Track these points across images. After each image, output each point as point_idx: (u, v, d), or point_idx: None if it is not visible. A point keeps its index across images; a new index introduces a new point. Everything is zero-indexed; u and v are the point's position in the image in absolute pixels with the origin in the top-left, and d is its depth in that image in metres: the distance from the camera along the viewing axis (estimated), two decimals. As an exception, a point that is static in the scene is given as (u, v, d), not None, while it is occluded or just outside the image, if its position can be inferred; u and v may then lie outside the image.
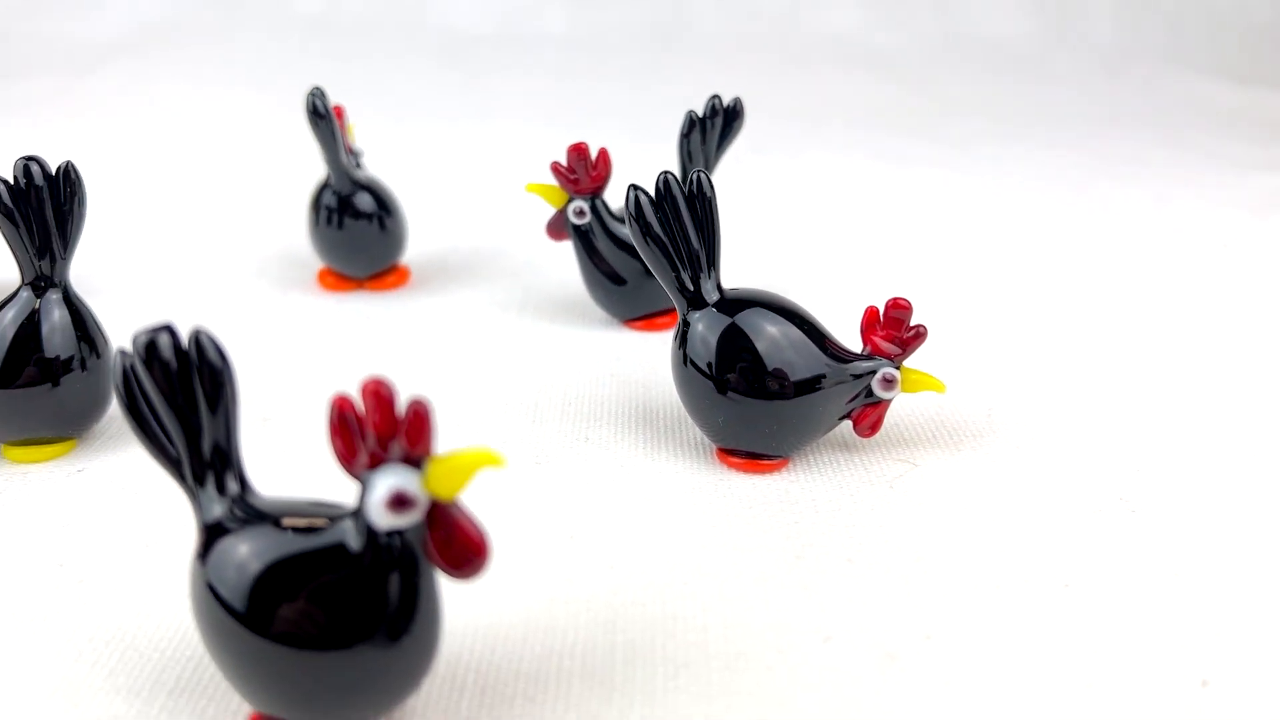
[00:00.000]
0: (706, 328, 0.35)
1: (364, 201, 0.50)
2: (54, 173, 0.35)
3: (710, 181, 0.35)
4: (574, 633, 0.27)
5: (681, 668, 0.26)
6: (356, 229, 0.50)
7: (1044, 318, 0.49)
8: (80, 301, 0.36)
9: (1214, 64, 1.12)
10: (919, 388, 0.35)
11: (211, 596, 0.22)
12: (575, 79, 1.05)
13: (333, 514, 0.23)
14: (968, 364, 0.43)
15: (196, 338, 0.22)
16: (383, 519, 0.21)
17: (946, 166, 0.79)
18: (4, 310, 0.35)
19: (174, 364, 0.22)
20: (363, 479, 0.22)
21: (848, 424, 0.36)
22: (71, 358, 0.36)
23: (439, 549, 0.22)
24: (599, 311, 0.49)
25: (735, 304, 0.35)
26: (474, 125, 0.88)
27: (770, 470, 0.36)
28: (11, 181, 0.34)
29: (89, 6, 1.16)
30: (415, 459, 0.21)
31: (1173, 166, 0.79)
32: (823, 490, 0.35)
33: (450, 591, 0.27)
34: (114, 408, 0.38)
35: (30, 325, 0.35)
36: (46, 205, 0.35)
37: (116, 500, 0.34)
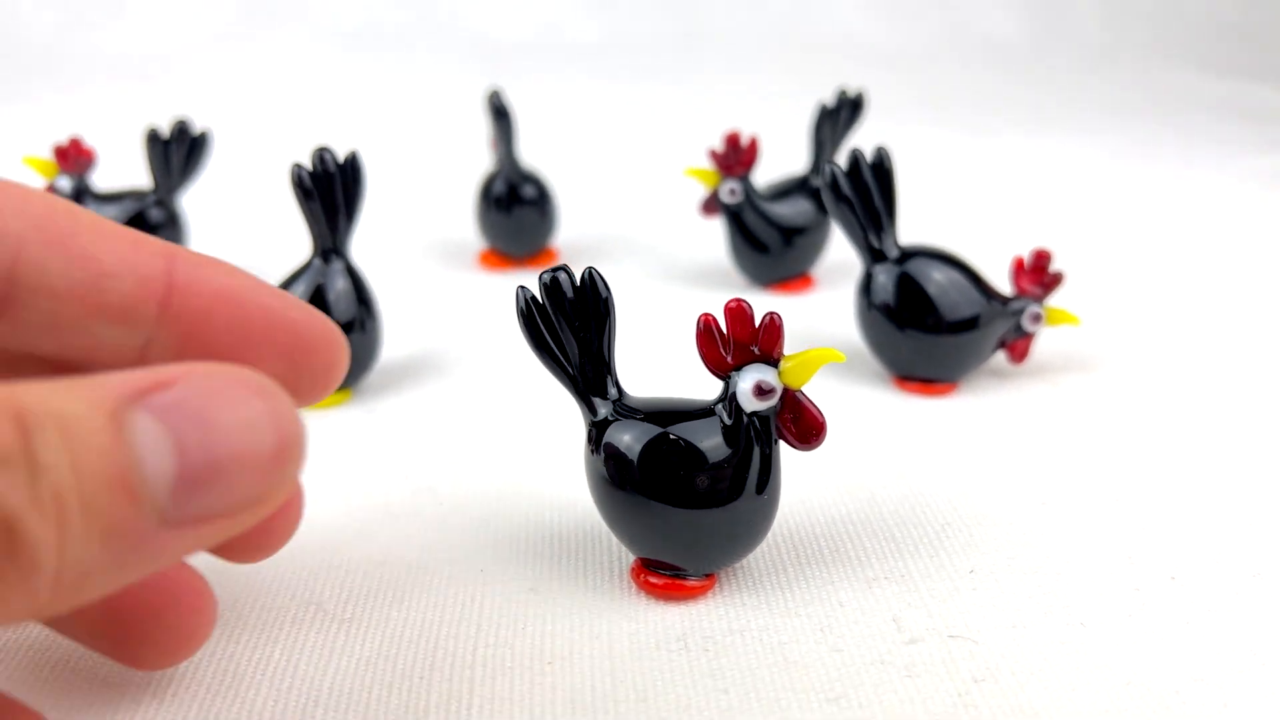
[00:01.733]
0: (888, 277, 0.43)
1: (529, 190, 0.57)
2: (342, 161, 0.42)
3: (890, 156, 0.43)
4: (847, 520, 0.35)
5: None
6: (522, 214, 0.57)
7: (1136, 276, 0.58)
8: (359, 271, 0.43)
9: (1196, 59, 1.22)
10: (1059, 321, 0.43)
11: (606, 473, 0.29)
12: (606, 80, 1.13)
13: (696, 406, 0.29)
14: (1095, 305, 0.51)
15: (589, 273, 0.29)
16: (750, 403, 0.28)
17: (970, 150, 0.88)
18: (299, 278, 0.42)
19: (571, 294, 0.29)
20: (730, 375, 0.28)
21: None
22: (354, 320, 0.42)
23: (790, 426, 0.28)
24: (737, 278, 0.56)
25: (910, 256, 0.43)
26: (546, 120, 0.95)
27: (941, 392, 0.43)
28: (311, 167, 0.41)
29: (142, 18, 1.21)
30: (771, 358, 0.28)
31: (1185, 149, 0.89)
32: (990, 410, 0.42)
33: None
34: (382, 361, 0.45)
35: (319, 291, 0.42)
36: (337, 187, 0.42)
37: (410, 432, 0.41)
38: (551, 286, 0.29)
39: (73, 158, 0.55)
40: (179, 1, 1.25)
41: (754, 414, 0.28)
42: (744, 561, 0.31)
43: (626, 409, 0.29)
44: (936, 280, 0.42)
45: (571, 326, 0.29)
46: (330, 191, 0.41)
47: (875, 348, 0.44)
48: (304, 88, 1.09)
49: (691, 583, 0.29)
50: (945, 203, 0.72)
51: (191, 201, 0.60)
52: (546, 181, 0.58)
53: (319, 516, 0.33)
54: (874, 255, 0.43)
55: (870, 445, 0.39)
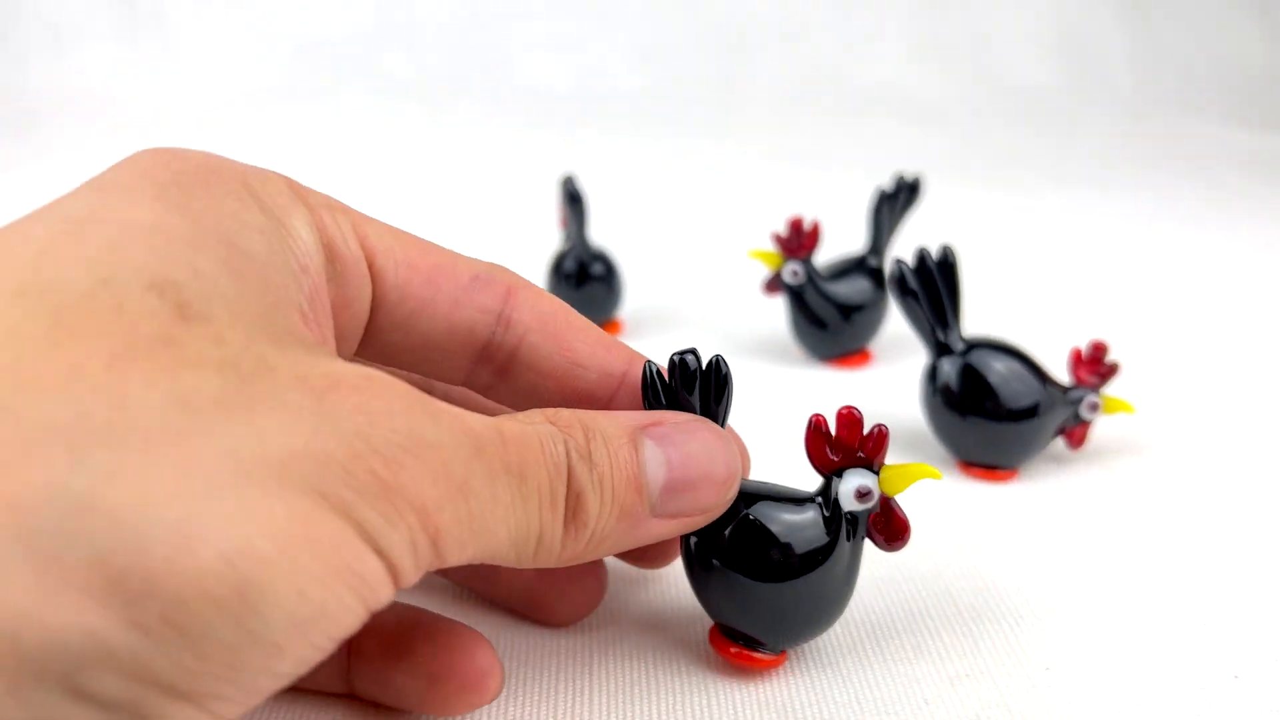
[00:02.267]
0: (952, 367, 0.45)
1: (598, 267, 0.60)
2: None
3: (955, 254, 0.45)
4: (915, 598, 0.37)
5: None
6: (592, 289, 0.60)
7: (1184, 345, 0.60)
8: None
9: (1227, 111, 1.24)
10: (1115, 410, 0.46)
11: (728, 551, 0.30)
12: (653, 127, 1.16)
13: (800, 494, 0.31)
14: (1145, 390, 0.53)
15: (716, 359, 0.30)
16: (849, 504, 0.30)
17: (1010, 207, 0.90)
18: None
19: (697, 375, 0.30)
20: (832, 474, 0.31)
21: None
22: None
23: (879, 528, 0.31)
24: (797, 353, 0.59)
25: (973, 348, 0.45)
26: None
27: (1003, 478, 0.46)
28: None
29: (191, 71, 1.25)
30: (872, 464, 0.31)
31: (1222, 210, 0.91)
32: (1052, 495, 0.45)
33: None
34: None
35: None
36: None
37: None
38: (681, 366, 0.30)
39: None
40: (229, 54, 1.29)
41: (849, 512, 0.31)
42: (827, 644, 0.34)
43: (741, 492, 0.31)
44: (998, 370, 0.45)
45: (689, 403, 0.30)
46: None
47: (939, 433, 0.46)
48: (353, 142, 1.13)
49: (763, 655, 0.31)
50: (983, 264, 0.74)
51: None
52: (614, 258, 0.60)
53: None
54: (940, 349, 0.46)
55: (939, 529, 0.41)
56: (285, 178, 0.27)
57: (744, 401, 0.51)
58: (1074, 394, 0.45)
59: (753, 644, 0.31)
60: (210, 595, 0.18)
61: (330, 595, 0.19)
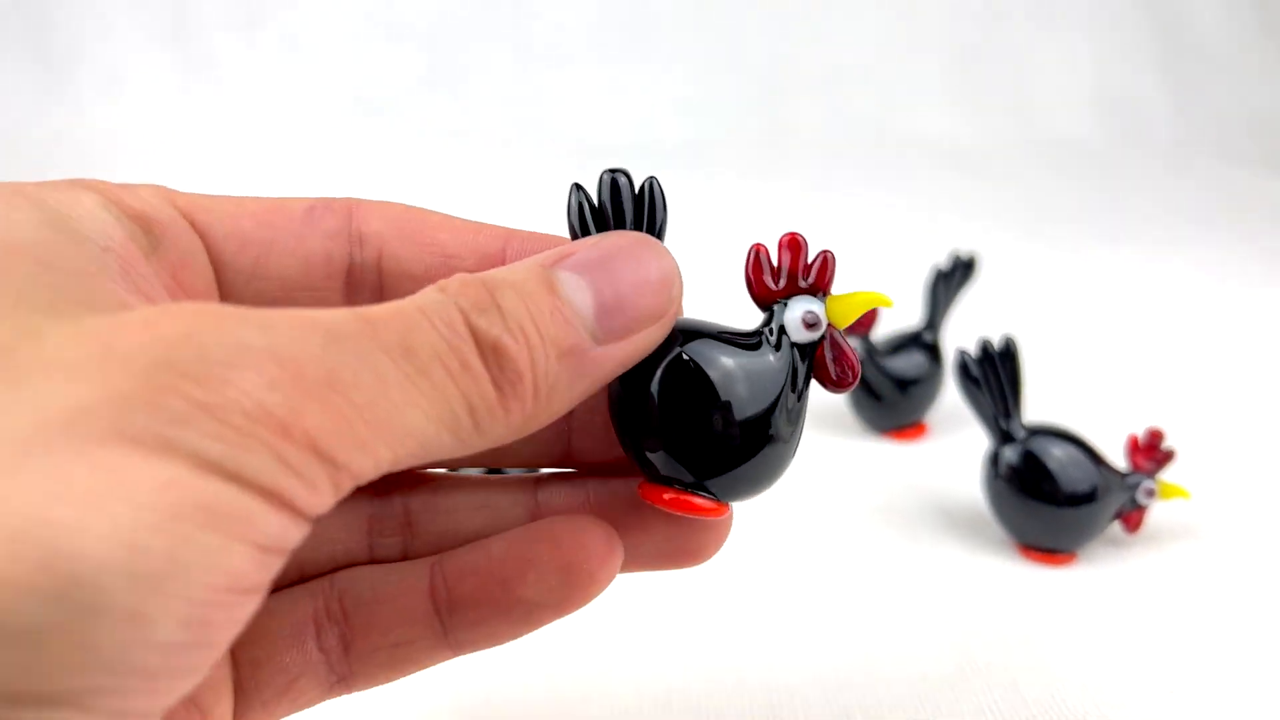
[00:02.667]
0: (1013, 454, 0.47)
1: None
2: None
3: (1017, 345, 0.47)
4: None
5: None
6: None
7: (1241, 417, 0.61)
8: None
9: (1265, 162, 1.25)
10: (1171, 496, 0.47)
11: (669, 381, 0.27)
12: (699, 179, 1.18)
13: (741, 330, 0.27)
14: (1199, 473, 0.54)
15: (651, 183, 0.27)
16: (797, 333, 0.27)
17: (1055, 265, 0.91)
18: None
19: (630, 201, 0.27)
20: (777, 304, 0.27)
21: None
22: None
23: (827, 364, 0.27)
24: (853, 423, 0.60)
25: (1033, 434, 0.47)
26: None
27: (1062, 562, 0.47)
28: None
29: (245, 112, 1.29)
30: (818, 292, 0.27)
31: (1266, 264, 0.92)
32: (1111, 583, 0.46)
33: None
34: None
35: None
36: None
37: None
38: (611, 186, 0.27)
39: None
40: (279, 99, 1.33)
41: (796, 345, 0.27)
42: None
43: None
44: (1058, 457, 0.46)
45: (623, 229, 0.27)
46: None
47: (1000, 516, 0.48)
48: (401, 190, 1.16)
49: (703, 501, 0.27)
50: (1029, 325, 0.75)
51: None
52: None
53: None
54: (1002, 436, 0.47)
55: (1003, 616, 0.43)
56: (85, 181, 0.25)
57: (804, 473, 0.53)
58: (1131, 480, 0.47)
59: (692, 490, 0.27)
60: (11, 581, 0.16)
61: (178, 541, 0.17)
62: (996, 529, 0.49)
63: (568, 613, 0.27)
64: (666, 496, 0.27)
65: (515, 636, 0.28)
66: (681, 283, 0.25)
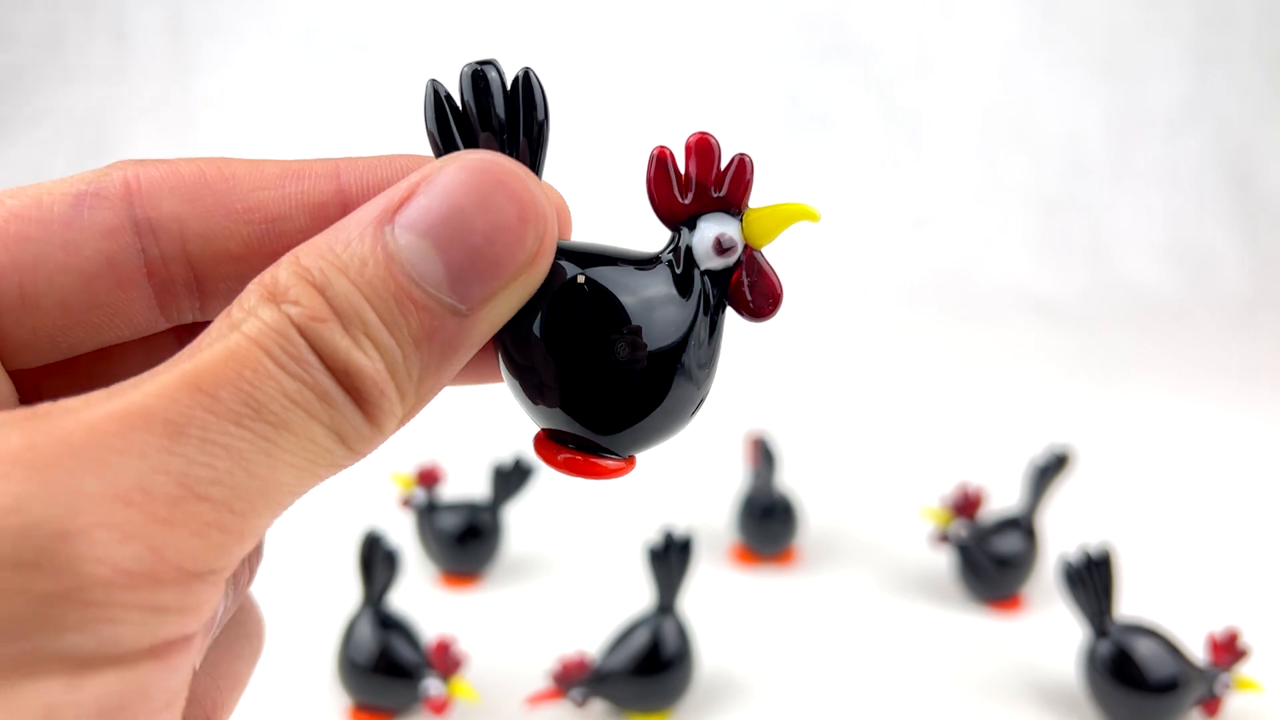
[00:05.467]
0: (1108, 646, 0.55)
1: (780, 506, 0.71)
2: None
3: (1114, 553, 0.55)
4: None
5: None
6: (772, 523, 0.71)
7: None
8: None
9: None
10: (1245, 688, 0.55)
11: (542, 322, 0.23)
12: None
13: (639, 254, 0.24)
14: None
15: (526, 74, 0.23)
16: (707, 258, 0.23)
17: (1134, 417, 0.99)
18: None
19: (501, 99, 0.23)
20: (684, 223, 0.23)
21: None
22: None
23: (746, 291, 0.23)
24: (955, 592, 0.69)
25: (1126, 632, 0.55)
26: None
27: (1149, 741, 0.55)
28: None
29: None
30: (734, 208, 0.23)
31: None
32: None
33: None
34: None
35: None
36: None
37: None
38: (475, 81, 0.23)
39: (428, 478, 0.70)
40: (303, 127, 1.44)
41: (707, 272, 0.23)
42: None
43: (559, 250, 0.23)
44: (1144, 653, 0.54)
45: (498, 137, 0.23)
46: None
47: (1096, 700, 0.56)
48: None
49: (606, 461, 0.24)
50: (1105, 483, 0.83)
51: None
52: (795, 501, 0.72)
53: None
54: (1099, 631, 0.56)
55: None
56: None
57: (906, 646, 0.61)
58: (1210, 673, 0.55)
59: (591, 449, 0.24)
60: None
61: None
62: (1093, 713, 0.57)
63: None
64: (561, 458, 0.23)
65: None
66: (553, 209, 0.21)
